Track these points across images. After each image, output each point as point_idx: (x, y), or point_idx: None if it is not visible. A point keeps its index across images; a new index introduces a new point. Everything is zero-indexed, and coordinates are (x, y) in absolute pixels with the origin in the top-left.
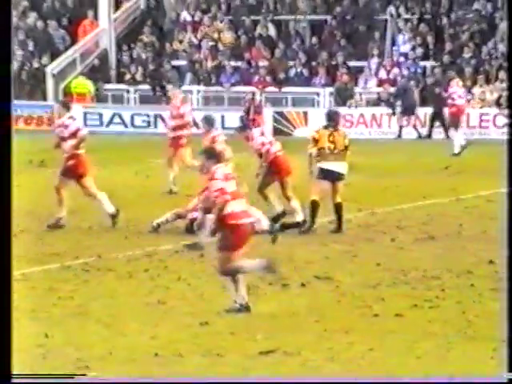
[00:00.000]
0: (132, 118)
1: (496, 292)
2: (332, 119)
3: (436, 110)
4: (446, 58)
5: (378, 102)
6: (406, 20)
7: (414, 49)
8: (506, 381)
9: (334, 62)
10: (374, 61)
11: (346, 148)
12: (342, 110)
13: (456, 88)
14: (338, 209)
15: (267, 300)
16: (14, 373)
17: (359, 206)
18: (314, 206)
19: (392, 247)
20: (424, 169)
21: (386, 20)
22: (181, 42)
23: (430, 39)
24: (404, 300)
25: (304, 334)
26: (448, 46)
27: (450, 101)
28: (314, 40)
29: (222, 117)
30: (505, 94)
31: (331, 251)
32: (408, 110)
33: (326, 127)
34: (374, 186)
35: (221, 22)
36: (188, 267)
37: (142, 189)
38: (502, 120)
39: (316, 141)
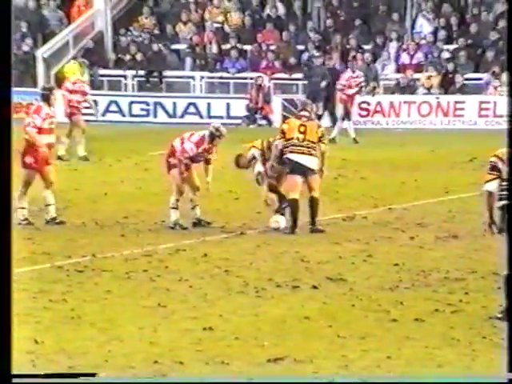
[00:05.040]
0: (130, 106)
1: None
2: (305, 108)
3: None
4: (469, 41)
5: (396, 89)
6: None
7: (436, 31)
8: (506, 381)
9: (348, 46)
10: (393, 45)
11: (320, 140)
12: (358, 98)
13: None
14: (312, 204)
15: (276, 303)
16: (14, 373)
17: (375, 201)
18: (294, 205)
19: (411, 246)
20: (446, 161)
21: (405, 0)
22: (185, 23)
23: (453, 20)
24: (424, 304)
25: (315, 340)
26: (473, 28)
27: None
28: (329, 22)
29: (228, 105)
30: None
31: (345, 251)
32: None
33: (298, 117)
34: (391, 179)
35: (229, 1)
36: (190, 267)
37: (141, 183)
38: None
39: (284, 133)
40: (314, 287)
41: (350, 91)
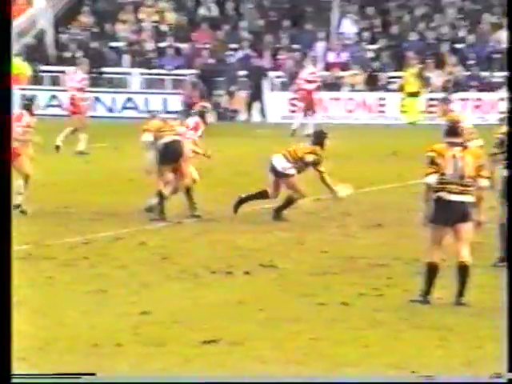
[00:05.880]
0: None
1: (443, 279)
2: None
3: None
4: (391, 42)
5: (324, 86)
6: (352, 2)
7: (360, 32)
8: (506, 381)
9: (279, 45)
10: (321, 44)
11: (301, 159)
12: (288, 95)
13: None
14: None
15: (210, 288)
16: (14, 373)
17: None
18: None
19: (339, 234)
20: (370, 155)
21: (331, 2)
22: (124, 22)
23: (377, 22)
24: (351, 288)
25: (248, 323)
26: (394, 30)
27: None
28: (260, 22)
29: (164, 100)
30: (451, 77)
31: (276, 239)
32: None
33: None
34: None
35: (167, 1)
36: (130, 254)
37: (82, 174)
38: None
39: None
40: (247, 273)
41: (309, 86)
